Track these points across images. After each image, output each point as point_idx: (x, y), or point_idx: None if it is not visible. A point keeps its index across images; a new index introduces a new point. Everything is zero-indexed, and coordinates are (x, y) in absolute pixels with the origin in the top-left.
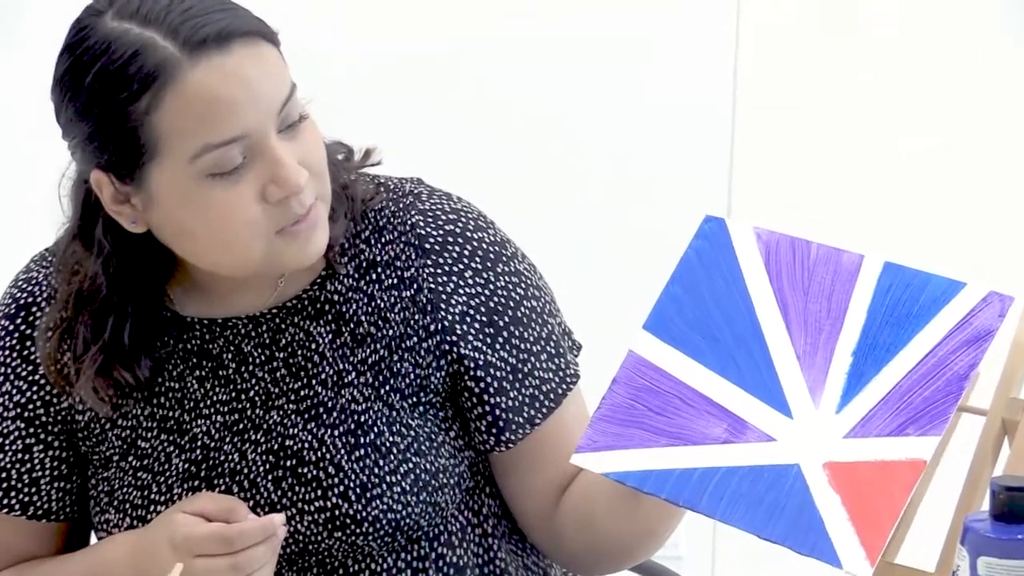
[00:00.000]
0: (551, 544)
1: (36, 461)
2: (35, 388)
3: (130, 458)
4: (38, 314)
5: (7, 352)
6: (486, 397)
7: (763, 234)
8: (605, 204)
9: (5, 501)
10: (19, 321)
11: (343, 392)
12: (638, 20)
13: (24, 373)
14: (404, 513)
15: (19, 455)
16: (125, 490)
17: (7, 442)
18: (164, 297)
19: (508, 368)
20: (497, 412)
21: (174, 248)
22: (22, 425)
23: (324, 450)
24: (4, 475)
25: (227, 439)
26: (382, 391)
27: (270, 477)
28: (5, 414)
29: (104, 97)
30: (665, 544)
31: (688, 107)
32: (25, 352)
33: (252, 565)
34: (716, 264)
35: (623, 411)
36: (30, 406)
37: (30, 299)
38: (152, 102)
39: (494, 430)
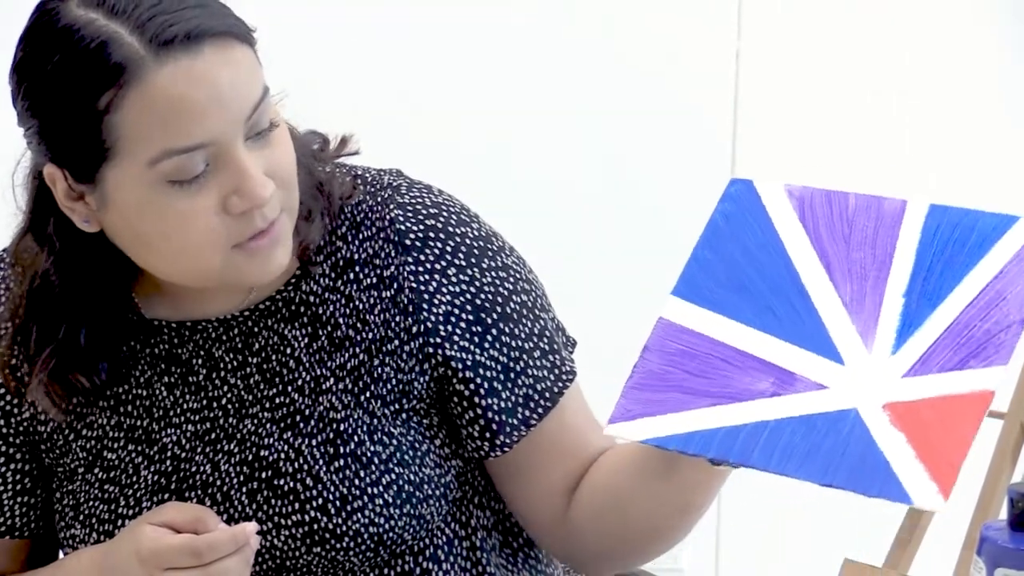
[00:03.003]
0: (567, 546)
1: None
2: None
3: (96, 470)
4: None
5: None
6: (477, 400)
7: (795, 190)
8: (598, 204)
9: None
10: None
11: (320, 399)
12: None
13: None
14: (387, 526)
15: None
16: (92, 504)
17: None
18: (129, 299)
19: (499, 367)
20: (489, 415)
21: (129, 254)
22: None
23: (301, 461)
24: None
25: (198, 449)
26: (362, 398)
27: (244, 489)
28: None
29: (63, 89)
30: (664, 554)
31: (688, 103)
32: None
33: None
34: (746, 224)
35: (657, 377)
36: None
37: None
38: (113, 100)
39: (487, 434)
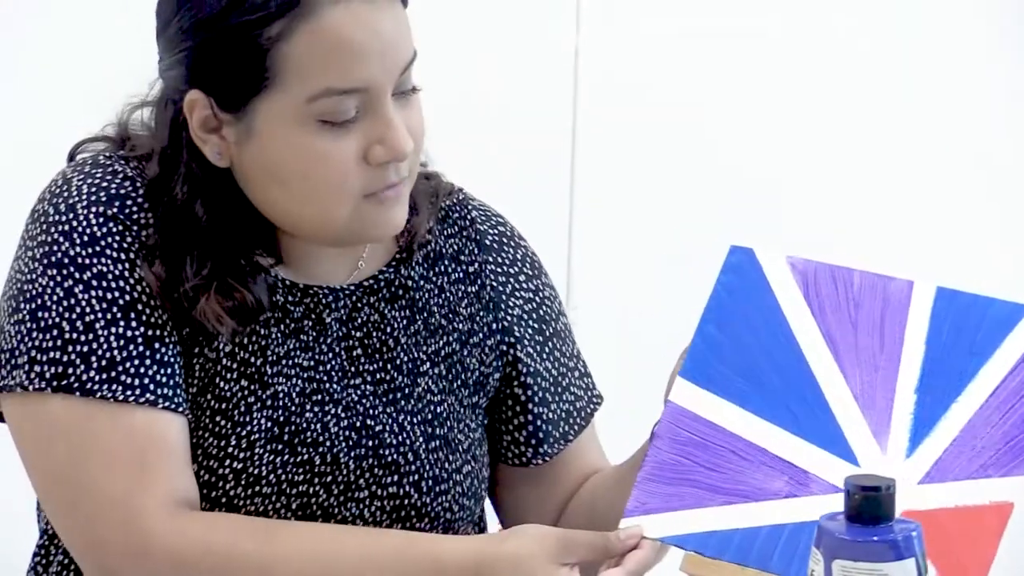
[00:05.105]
0: None
1: (178, 365)
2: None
3: (208, 396)
4: (134, 208)
5: (124, 236)
6: (530, 406)
7: (798, 264)
8: None
9: (176, 399)
10: (115, 209)
11: (419, 381)
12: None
13: (139, 263)
14: (459, 515)
15: (175, 347)
16: (202, 434)
17: (165, 333)
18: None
19: (551, 379)
20: (538, 423)
21: (255, 193)
22: (168, 315)
23: (404, 435)
24: (170, 369)
25: (306, 407)
26: (454, 385)
27: (352, 454)
28: (152, 303)
29: (234, 14)
30: None
31: (527, 99)
32: (135, 236)
33: None
34: (750, 300)
35: (670, 468)
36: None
37: (122, 191)
38: (284, 30)
39: (533, 441)
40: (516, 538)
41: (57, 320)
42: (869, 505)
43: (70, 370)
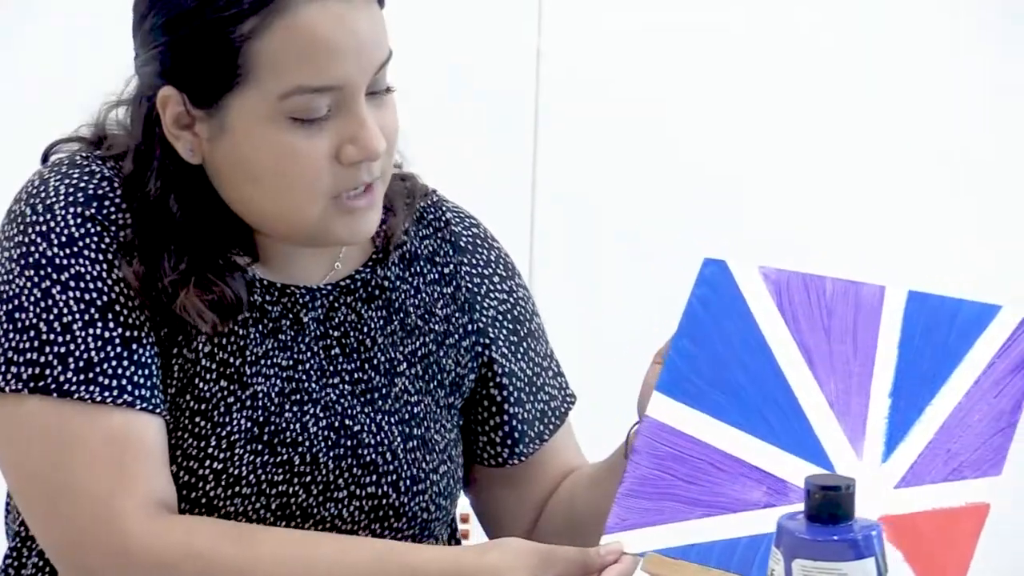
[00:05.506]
0: None
1: (156, 366)
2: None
3: (187, 397)
4: (112, 208)
5: (102, 237)
6: (506, 407)
7: (770, 273)
8: None
9: (154, 400)
10: (93, 210)
11: (396, 381)
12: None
13: (118, 263)
14: (435, 516)
15: (153, 348)
16: (181, 434)
17: (143, 334)
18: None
19: (526, 379)
20: (514, 423)
21: (227, 191)
22: (147, 316)
23: (382, 435)
24: (147, 370)
25: (286, 406)
26: (431, 385)
27: (331, 454)
28: (130, 304)
29: (208, 10)
30: None
31: (490, 101)
32: (113, 237)
33: None
34: (724, 311)
35: (650, 483)
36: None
37: (99, 191)
38: (257, 27)
39: (509, 441)
40: (497, 551)
41: (34, 321)
42: (828, 504)
43: (47, 371)
